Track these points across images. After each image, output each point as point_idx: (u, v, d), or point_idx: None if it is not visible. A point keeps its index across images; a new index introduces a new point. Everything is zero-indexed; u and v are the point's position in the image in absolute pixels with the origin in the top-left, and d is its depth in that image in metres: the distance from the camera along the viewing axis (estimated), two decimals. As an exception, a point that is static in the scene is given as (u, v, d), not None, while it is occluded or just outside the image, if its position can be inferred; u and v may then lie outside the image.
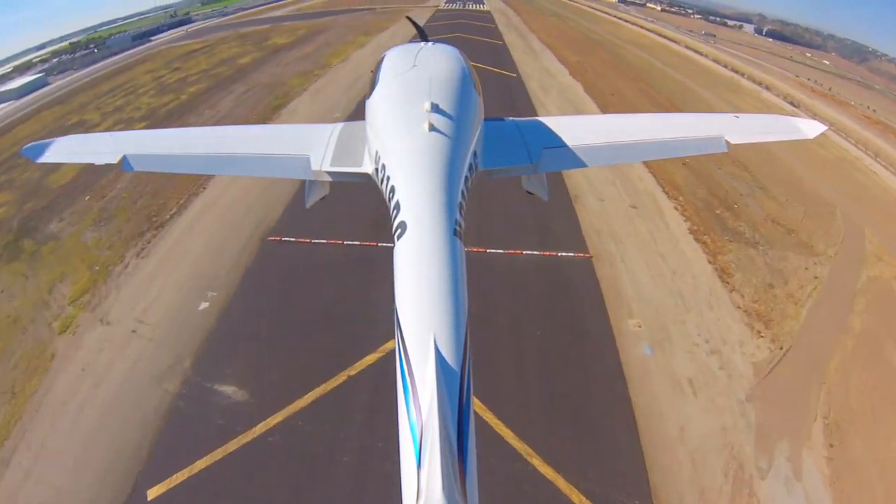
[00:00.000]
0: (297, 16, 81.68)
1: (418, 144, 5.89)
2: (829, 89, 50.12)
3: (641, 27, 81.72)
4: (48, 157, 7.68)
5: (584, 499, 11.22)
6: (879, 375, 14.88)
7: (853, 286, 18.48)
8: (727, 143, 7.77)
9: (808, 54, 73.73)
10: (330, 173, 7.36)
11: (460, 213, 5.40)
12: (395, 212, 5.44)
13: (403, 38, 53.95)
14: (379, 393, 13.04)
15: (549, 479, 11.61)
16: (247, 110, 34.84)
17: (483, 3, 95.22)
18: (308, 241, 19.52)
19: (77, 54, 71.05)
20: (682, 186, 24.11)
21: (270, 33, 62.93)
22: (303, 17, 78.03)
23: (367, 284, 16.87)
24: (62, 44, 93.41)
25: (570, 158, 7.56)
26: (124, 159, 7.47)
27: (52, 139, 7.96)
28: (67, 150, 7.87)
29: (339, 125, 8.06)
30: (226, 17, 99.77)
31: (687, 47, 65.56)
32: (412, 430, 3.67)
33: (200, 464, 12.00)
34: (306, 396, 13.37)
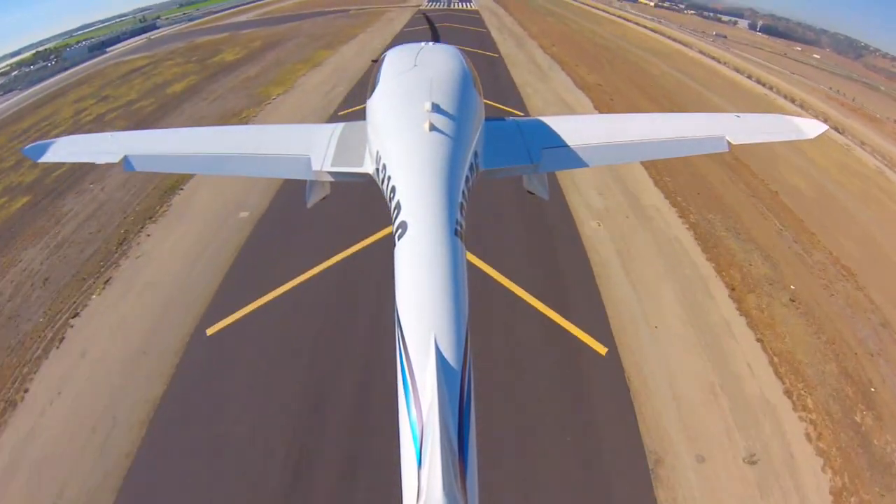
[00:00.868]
0: (263, 21, 73.34)
1: (419, 144, 5.83)
2: (853, 99, 42.76)
3: (645, 27, 73.63)
4: (49, 156, 7.63)
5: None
6: None
7: None
8: (728, 143, 7.60)
9: (817, 55, 69.39)
10: (331, 173, 7.29)
11: (461, 213, 5.34)
12: (395, 212, 5.39)
13: (372, 51, 45.73)
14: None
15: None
16: (120, 206, 21.82)
17: (470, 3, 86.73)
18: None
19: (32, 68, 64.77)
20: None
21: (223, 45, 54.79)
22: (267, 23, 69.63)
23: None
24: (27, 54, 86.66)
25: (571, 158, 7.54)
26: (125, 159, 7.44)
27: (52, 139, 7.90)
28: (68, 150, 7.79)
29: (340, 125, 7.94)
30: (192, 23, 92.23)
31: (702, 52, 57.52)
32: (412, 429, 3.63)
33: (249, 308, 14.33)
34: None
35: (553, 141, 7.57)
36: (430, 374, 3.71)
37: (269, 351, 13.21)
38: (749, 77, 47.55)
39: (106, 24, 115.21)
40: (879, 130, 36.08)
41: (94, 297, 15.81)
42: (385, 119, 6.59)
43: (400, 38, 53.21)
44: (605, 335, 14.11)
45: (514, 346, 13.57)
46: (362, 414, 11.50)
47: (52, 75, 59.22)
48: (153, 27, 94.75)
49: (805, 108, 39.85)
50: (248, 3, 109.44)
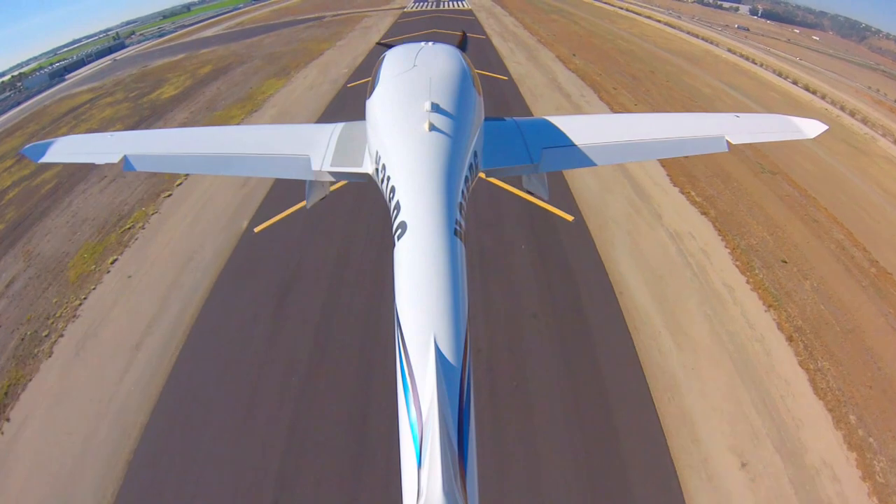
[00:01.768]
0: (226, 36, 65.46)
1: (418, 144, 5.70)
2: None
3: (659, 21, 64.68)
4: (49, 157, 7.40)
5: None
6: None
7: None
8: (728, 142, 7.29)
9: (816, 37, 67.28)
10: (331, 173, 7.10)
11: (461, 212, 5.24)
12: (395, 212, 5.26)
13: (335, 78, 37.93)
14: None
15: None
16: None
17: (463, 1, 78.21)
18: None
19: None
20: None
21: (171, 73, 47.42)
22: (230, 39, 61.86)
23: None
24: (5, 78, 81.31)
25: (571, 158, 7.38)
26: (125, 159, 7.23)
27: (52, 139, 7.63)
28: (68, 150, 7.56)
29: (340, 125, 7.72)
30: (161, 39, 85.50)
31: (730, 50, 48.71)
32: (412, 429, 3.60)
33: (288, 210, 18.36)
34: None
35: (553, 140, 7.40)
36: (429, 374, 3.71)
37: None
38: (795, 83, 38.97)
39: (78, 43, 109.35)
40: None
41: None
42: (384, 119, 6.39)
43: (374, 55, 44.03)
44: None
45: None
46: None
47: (14, 107, 53.82)
48: (122, 46, 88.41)
49: (855, 116, 31.68)
50: (223, 14, 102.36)
